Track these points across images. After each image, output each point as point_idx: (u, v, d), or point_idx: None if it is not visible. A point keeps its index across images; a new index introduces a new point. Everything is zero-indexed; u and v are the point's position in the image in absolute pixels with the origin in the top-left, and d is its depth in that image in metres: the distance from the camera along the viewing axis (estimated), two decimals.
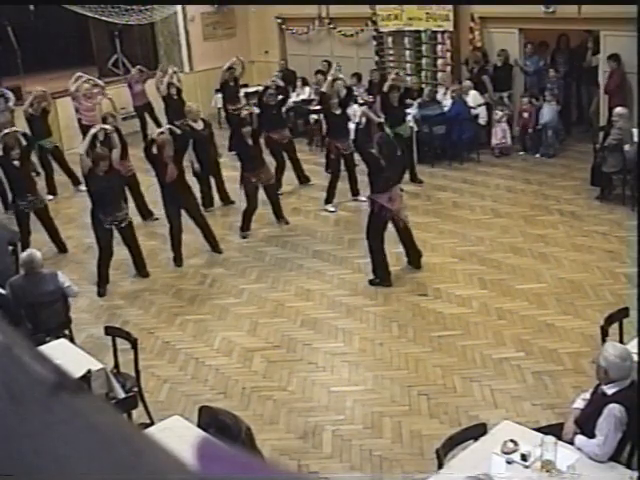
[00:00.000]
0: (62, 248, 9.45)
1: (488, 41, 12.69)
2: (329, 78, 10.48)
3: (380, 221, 7.79)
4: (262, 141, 9.96)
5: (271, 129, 10.70)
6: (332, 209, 10.20)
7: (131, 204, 9.89)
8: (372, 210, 7.82)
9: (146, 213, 10.29)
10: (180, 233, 8.82)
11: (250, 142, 9.26)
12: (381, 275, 7.94)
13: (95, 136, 8.53)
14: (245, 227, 9.61)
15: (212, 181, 10.55)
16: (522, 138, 11.98)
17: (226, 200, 10.68)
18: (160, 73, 13.34)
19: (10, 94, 12.44)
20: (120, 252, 8.45)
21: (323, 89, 10.35)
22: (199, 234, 9.22)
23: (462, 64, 12.85)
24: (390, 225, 7.92)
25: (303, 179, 11.39)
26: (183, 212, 8.81)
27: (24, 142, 9.05)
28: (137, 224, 9.53)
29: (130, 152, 10.01)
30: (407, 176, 10.67)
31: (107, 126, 8.99)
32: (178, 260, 8.90)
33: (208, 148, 10.19)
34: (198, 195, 9.74)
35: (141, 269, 8.64)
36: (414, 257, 8.22)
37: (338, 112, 10.17)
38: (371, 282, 7.96)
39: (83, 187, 10.50)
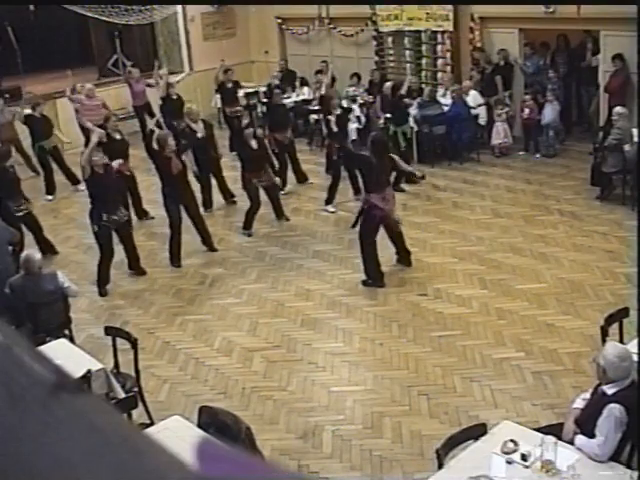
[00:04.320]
0: (51, 250, 9.20)
1: (488, 41, 12.69)
2: (326, 80, 10.46)
3: (372, 221, 7.79)
4: (266, 142, 9.95)
5: (275, 129, 10.88)
6: (332, 209, 10.19)
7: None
8: (363, 209, 7.84)
9: (141, 213, 10.31)
10: (180, 230, 8.77)
11: (253, 144, 9.25)
12: (373, 275, 7.94)
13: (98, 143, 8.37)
14: (247, 226, 9.61)
15: (213, 182, 10.52)
16: (527, 137, 11.95)
17: (228, 198, 10.72)
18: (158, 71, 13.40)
19: None
20: (120, 252, 8.44)
21: (322, 91, 10.33)
22: (197, 233, 9.19)
23: (472, 64, 12.76)
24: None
25: (301, 177, 11.43)
26: (183, 210, 8.77)
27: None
28: (135, 224, 9.54)
29: (130, 152, 10.01)
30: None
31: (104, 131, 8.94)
32: (176, 260, 8.82)
33: (207, 149, 10.15)
34: (198, 196, 9.73)
35: (136, 267, 8.62)
36: (404, 256, 8.26)
37: (338, 112, 10.18)
38: (364, 283, 7.96)
39: (82, 187, 10.44)
